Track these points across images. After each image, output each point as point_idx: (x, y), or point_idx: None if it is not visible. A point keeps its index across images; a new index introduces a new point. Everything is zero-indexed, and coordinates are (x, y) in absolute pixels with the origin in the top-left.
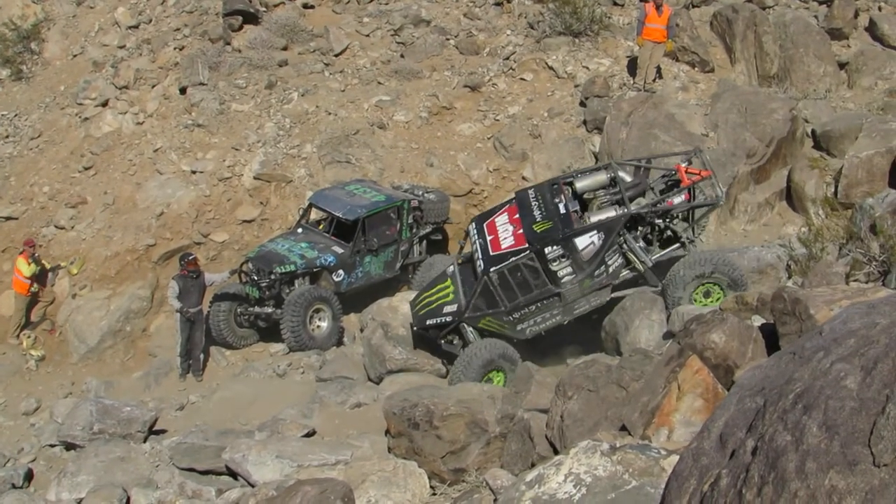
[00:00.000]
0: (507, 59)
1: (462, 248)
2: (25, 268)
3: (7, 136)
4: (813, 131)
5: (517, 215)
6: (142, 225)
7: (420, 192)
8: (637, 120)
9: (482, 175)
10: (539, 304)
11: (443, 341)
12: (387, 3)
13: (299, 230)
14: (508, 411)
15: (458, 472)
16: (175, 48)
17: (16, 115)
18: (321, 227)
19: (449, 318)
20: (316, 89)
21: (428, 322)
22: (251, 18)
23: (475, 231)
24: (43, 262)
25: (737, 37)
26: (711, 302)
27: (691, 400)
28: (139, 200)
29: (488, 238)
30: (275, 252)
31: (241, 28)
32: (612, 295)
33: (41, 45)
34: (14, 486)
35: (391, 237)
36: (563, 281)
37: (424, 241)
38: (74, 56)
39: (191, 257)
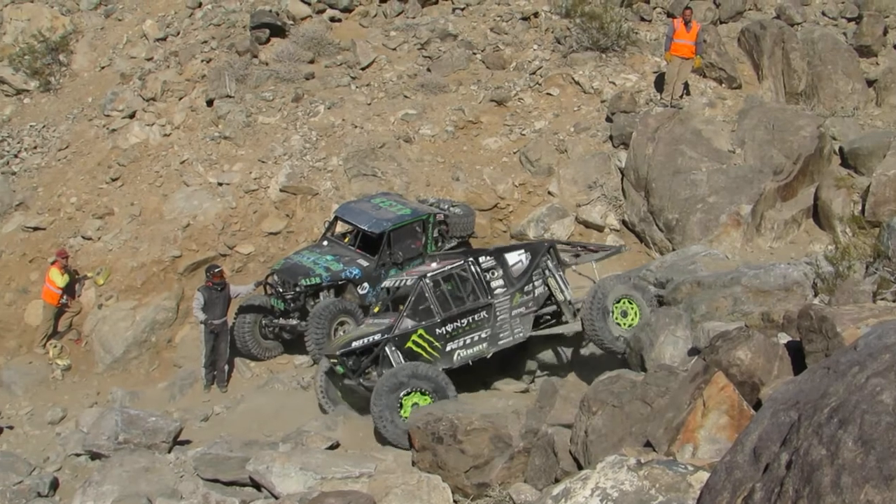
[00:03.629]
0: (534, 73)
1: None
2: (59, 278)
3: (35, 147)
4: (840, 149)
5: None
6: (168, 236)
7: (446, 206)
8: (664, 135)
9: (508, 189)
10: (470, 320)
11: (361, 379)
12: (414, 18)
13: (325, 243)
14: (532, 426)
15: (481, 487)
16: (202, 60)
17: (44, 127)
18: (346, 239)
19: (377, 337)
20: (342, 102)
21: (354, 344)
22: (278, 31)
23: (396, 278)
24: (75, 272)
25: (764, 53)
26: (631, 320)
27: (716, 417)
28: (165, 212)
29: (410, 273)
30: (300, 264)
31: (268, 41)
32: (532, 333)
33: (69, 56)
34: (39, 495)
35: (416, 251)
36: (496, 291)
37: None
38: (102, 68)
39: (216, 269)
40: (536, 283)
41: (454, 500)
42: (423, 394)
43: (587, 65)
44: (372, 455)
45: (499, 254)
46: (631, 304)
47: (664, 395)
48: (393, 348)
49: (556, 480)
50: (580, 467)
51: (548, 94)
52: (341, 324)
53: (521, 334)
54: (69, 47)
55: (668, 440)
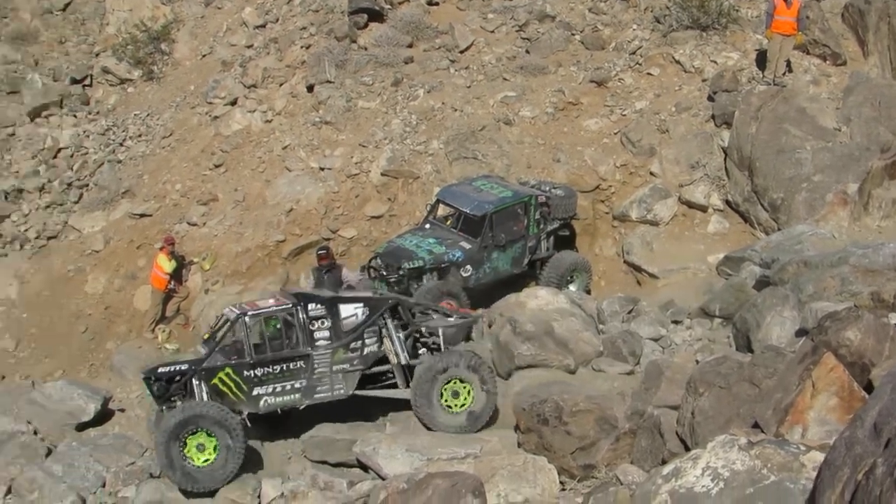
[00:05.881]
0: (634, 53)
1: (212, 329)
2: (166, 264)
3: (140, 136)
4: None
5: (282, 297)
6: (271, 221)
7: (547, 188)
8: (767, 114)
9: (609, 170)
10: (284, 368)
11: (164, 405)
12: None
13: (427, 226)
14: (638, 408)
15: (587, 468)
16: (302, 46)
17: (148, 115)
18: (449, 222)
19: (184, 367)
20: (442, 86)
21: (160, 370)
22: (376, 16)
23: (235, 307)
24: (182, 258)
25: (869, 29)
26: (463, 400)
27: (826, 398)
28: (269, 197)
29: (247, 307)
30: (403, 248)
31: (366, 26)
32: (357, 392)
33: (171, 45)
34: (152, 476)
35: (518, 233)
36: (317, 343)
37: (552, 237)
38: (203, 56)
39: (321, 251)
40: (368, 342)
41: (560, 482)
42: (209, 435)
43: (688, 44)
44: (478, 437)
45: (332, 303)
46: (463, 383)
47: (772, 376)
48: (199, 382)
49: (663, 462)
50: (687, 448)
51: (648, 73)
52: None
53: (341, 391)
54: (171, 36)
55: (776, 421)
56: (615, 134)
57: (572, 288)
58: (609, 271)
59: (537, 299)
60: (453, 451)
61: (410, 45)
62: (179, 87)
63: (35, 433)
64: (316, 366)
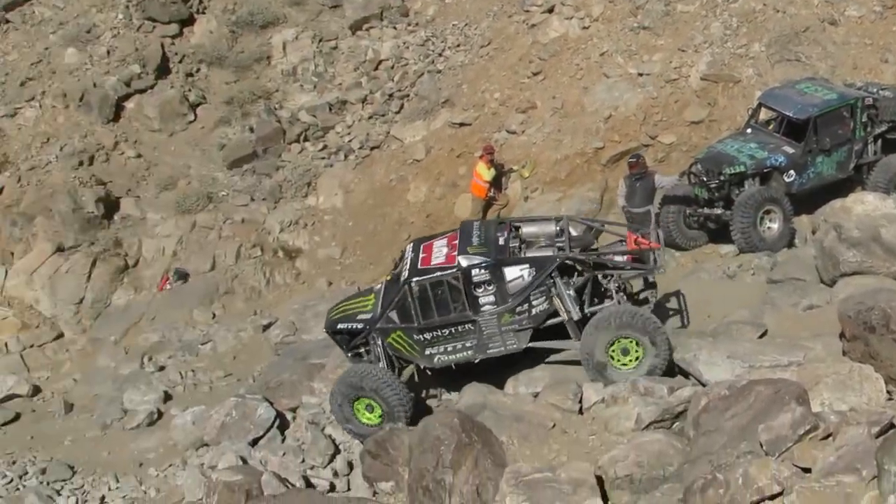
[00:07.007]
0: None
1: (396, 265)
2: (486, 172)
3: (458, 45)
4: None
5: (456, 241)
6: (590, 128)
7: (875, 90)
8: None
9: None
10: (453, 330)
11: (350, 354)
12: None
13: (748, 130)
14: None
15: None
16: None
17: (466, 25)
18: (771, 127)
19: (360, 326)
20: None
21: (339, 326)
22: None
23: (411, 250)
24: (501, 166)
25: None
26: (631, 361)
27: None
28: (587, 104)
29: (421, 256)
30: (724, 153)
31: None
32: (530, 345)
33: None
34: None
35: (844, 136)
36: (482, 309)
37: (880, 140)
38: None
39: (632, 159)
40: (535, 302)
41: (887, 391)
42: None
43: None
44: (801, 344)
45: (496, 268)
46: (634, 342)
47: None
48: (377, 338)
49: None
50: None
51: None
52: (767, 212)
53: (514, 346)
54: None
55: None
56: None
57: None
58: None
59: (864, 205)
60: (776, 358)
61: None
62: None
63: None
64: (484, 328)
